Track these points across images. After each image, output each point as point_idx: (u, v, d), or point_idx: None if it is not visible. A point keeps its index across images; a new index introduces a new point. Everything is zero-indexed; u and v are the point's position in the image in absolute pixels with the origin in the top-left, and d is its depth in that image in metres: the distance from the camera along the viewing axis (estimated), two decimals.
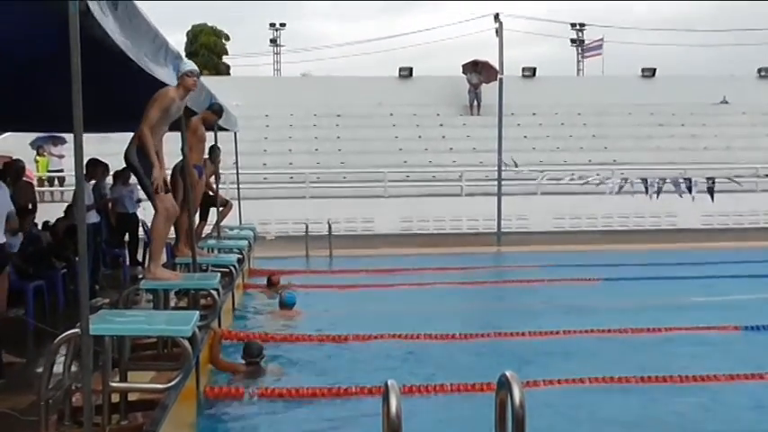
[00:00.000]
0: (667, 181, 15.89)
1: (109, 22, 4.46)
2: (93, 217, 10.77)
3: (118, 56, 5.07)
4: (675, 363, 8.44)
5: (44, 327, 7.35)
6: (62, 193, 22.39)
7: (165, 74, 6.33)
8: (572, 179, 19.61)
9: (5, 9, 4.83)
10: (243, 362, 8.03)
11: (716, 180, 17.13)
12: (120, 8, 4.68)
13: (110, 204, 12.70)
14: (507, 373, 3.78)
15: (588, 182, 17.85)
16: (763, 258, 15.63)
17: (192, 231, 8.96)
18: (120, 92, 7.28)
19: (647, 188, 15.05)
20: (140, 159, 6.98)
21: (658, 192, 16.11)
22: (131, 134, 7.12)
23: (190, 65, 7.23)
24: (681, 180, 16.32)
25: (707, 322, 10.24)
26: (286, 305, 11.21)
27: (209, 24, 51.54)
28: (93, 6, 4.15)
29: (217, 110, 10.00)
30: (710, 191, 16.45)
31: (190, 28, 51.05)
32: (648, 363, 8.44)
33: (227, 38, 51.78)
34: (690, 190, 16.28)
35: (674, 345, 9.40)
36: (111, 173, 12.89)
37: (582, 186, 20.20)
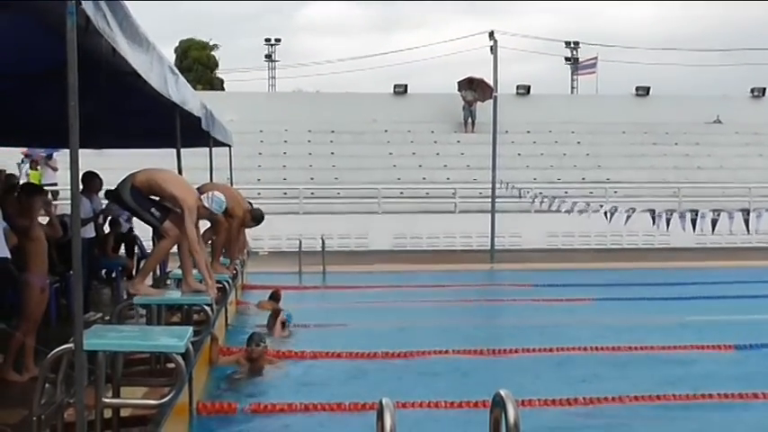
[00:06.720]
0: (676, 213, 16.13)
1: (116, 37, 4.46)
2: (88, 231, 10.72)
3: (119, 71, 5.07)
4: (669, 381, 8.43)
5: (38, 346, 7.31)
6: (56, 206, 22.24)
7: (169, 90, 6.32)
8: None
9: (2, 22, 4.83)
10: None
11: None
12: (123, 24, 4.68)
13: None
14: (502, 392, 3.78)
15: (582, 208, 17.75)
16: (756, 278, 15.76)
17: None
18: (120, 107, 7.28)
19: (654, 218, 15.11)
20: (136, 200, 7.19)
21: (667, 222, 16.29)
22: (126, 149, 7.13)
23: (219, 204, 7.93)
24: (687, 212, 16.54)
25: (701, 341, 10.26)
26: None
27: (197, 39, 51.22)
28: (102, 24, 4.15)
29: (257, 216, 11.29)
30: (713, 223, 16.69)
31: (178, 44, 50.57)
32: (642, 381, 8.43)
33: (213, 48, 51.53)
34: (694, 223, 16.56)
35: (666, 363, 9.39)
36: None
37: (576, 205, 20.32)
